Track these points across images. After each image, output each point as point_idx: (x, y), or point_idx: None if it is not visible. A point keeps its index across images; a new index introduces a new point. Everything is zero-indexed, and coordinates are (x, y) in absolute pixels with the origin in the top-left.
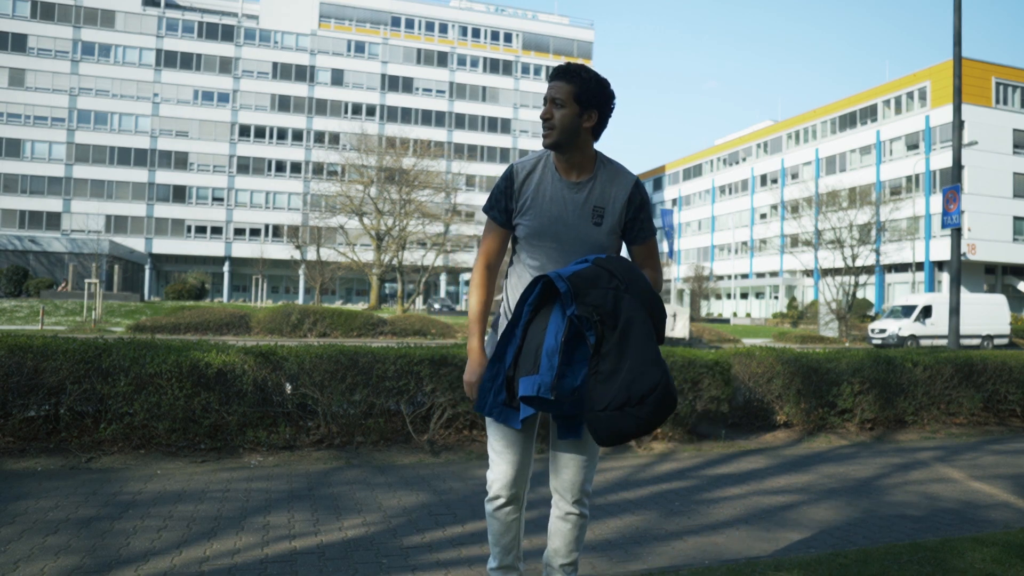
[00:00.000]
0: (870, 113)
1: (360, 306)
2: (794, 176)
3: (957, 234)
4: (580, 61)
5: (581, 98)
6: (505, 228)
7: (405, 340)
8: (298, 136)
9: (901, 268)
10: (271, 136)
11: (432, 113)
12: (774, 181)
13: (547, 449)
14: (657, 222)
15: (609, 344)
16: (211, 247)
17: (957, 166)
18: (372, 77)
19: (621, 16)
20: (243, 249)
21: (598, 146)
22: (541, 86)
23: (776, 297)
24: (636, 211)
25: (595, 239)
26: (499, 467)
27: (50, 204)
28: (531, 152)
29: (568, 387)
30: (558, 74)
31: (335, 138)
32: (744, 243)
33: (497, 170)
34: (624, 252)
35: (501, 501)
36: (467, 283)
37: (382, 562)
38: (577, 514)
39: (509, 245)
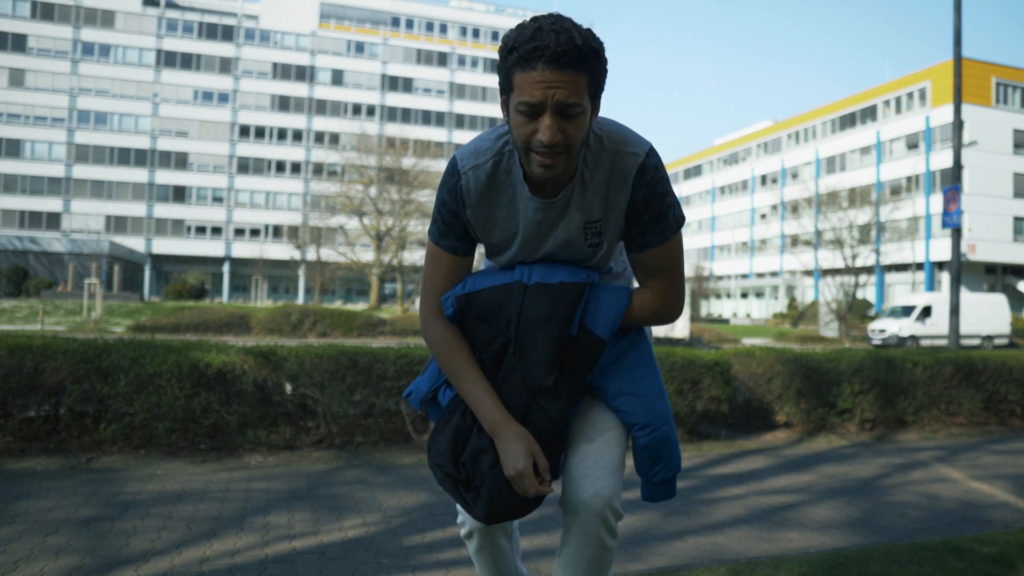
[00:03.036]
0: (870, 113)
1: (360, 306)
2: (794, 176)
3: (957, 234)
4: None
5: (595, 87)
6: (468, 257)
7: (405, 340)
8: (298, 136)
9: (901, 268)
10: (271, 136)
11: (432, 113)
12: (774, 181)
13: None
14: None
15: None
16: (211, 247)
17: (957, 166)
18: (372, 77)
19: (621, 16)
20: (243, 249)
21: None
22: None
23: (776, 297)
24: (641, 209)
25: (594, 263)
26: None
27: (50, 204)
28: (472, 144)
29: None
30: (569, 62)
31: (335, 138)
32: (744, 243)
33: None
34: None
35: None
36: None
37: (382, 562)
38: (599, 544)
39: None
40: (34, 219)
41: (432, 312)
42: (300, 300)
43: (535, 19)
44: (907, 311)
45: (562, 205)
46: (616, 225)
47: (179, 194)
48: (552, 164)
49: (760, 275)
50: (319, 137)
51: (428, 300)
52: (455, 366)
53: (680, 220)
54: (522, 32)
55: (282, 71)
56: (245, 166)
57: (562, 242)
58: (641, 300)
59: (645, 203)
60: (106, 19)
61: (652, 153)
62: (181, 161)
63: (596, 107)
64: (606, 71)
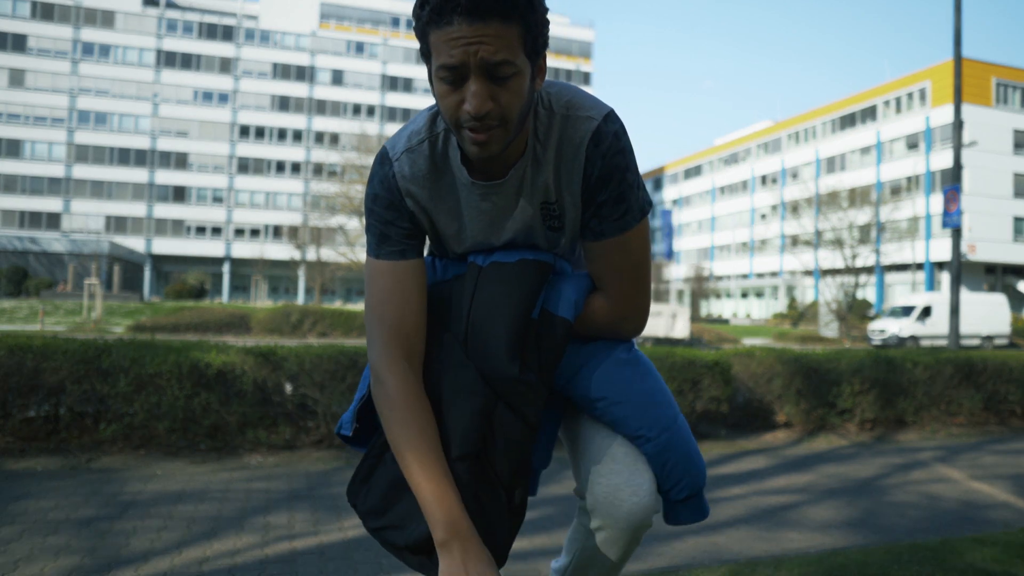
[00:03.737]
0: (870, 113)
1: (360, 306)
2: (794, 176)
3: (957, 234)
4: (580, 61)
5: (531, 42)
6: (417, 260)
7: None
8: (298, 136)
9: (901, 268)
10: (271, 136)
11: None
12: (774, 181)
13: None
14: (656, 222)
15: None
16: (211, 247)
17: (957, 166)
18: (372, 77)
19: (621, 16)
20: (243, 249)
21: None
22: None
23: (776, 297)
24: (596, 187)
25: (559, 249)
26: None
27: (50, 204)
28: (405, 129)
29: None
30: (491, 10)
31: (335, 138)
32: (744, 243)
33: None
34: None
35: None
36: None
37: (382, 562)
38: (633, 542)
39: None
40: (34, 219)
41: (385, 355)
42: (300, 300)
43: None
44: (907, 311)
45: (512, 188)
46: (572, 206)
47: (179, 194)
48: (487, 140)
49: (760, 275)
50: (319, 137)
51: (378, 339)
52: (411, 437)
53: (645, 206)
54: None
55: (282, 71)
56: (245, 166)
57: (521, 227)
58: (593, 305)
59: (602, 179)
60: (106, 19)
61: (611, 118)
62: (181, 161)
63: (540, 69)
64: (545, 21)
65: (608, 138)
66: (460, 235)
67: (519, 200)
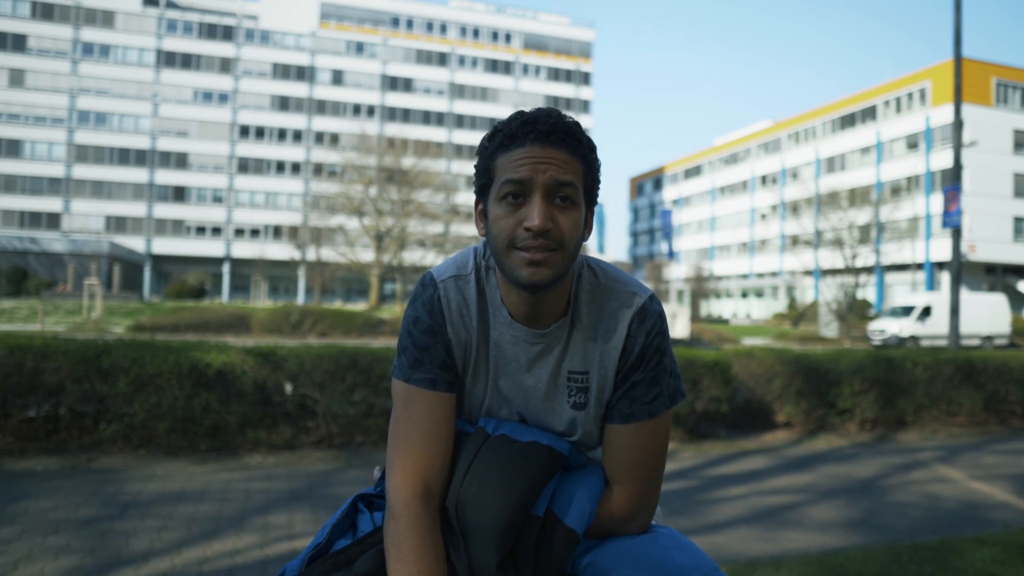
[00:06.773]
0: (870, 113)
1: (360, 306)
2: (794, 176)
3: (957, 234)
4: (580, 61)
5: (589, 183)
6: (451, 395)
7: None
8: (298, 136)
9: (901, 268)
10: (271, 136)
11: (432, 113)
12: (774, 181)
13: None
14: (656, 222)
15: None
16: (211, 247)
17: (957, 166)
18: (372, 77)
19: (621, 16)
20: (243, 249)
21: None
22: (541, 86)
23: (776, 297)
24: (633, 366)
25: (579, 436)
26: None
27: (50, 204)
28: (449, 259)
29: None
30: (561, 140)
31: (335, 138)
32: (744, 243)
33: None
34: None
35: None
36: None
37: None
38: None
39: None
40: (34, 219)
41: (403, 491)
42: (300, 300)
43: (519, 111)
44: (907, 311)
45: (547, 342)
46: (601, 383)
47: (179, 194)
48: (542, 261)
49: (760, 275)
50: (319, 137)
51: (398, 471)
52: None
53: (677, 396)
54: (507, 120)
55: (282, 71)
56: (245, 166)
57: (544, 393)
58: (604, 501)
59: (640, 358)
60: (106, 19)
61: (656, 299)
62: (181, 161)
63: (588, 222)
64: (598, 177)
65: (653, 317)
66: (477, 381)
67: (549, 358)
